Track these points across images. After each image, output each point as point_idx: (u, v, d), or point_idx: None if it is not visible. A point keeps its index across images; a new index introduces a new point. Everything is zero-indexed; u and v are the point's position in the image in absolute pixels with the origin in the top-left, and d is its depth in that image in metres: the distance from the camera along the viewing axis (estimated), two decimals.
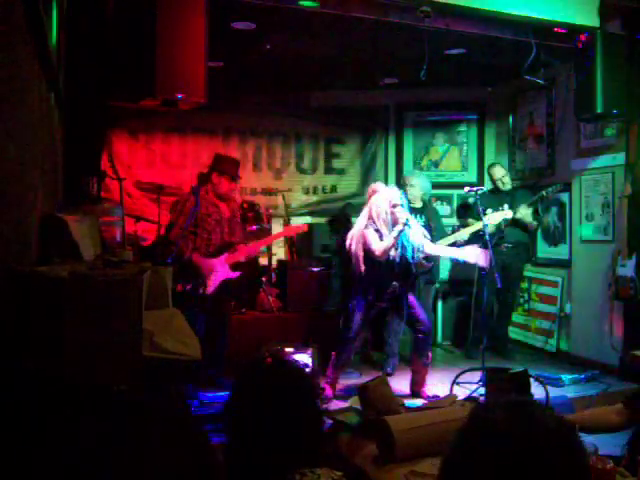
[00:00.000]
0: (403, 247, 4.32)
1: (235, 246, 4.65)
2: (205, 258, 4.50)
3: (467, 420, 1.15)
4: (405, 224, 4.20)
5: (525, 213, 5.68)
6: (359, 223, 4.43)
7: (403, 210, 4.31)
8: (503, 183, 5.91)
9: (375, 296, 4.39)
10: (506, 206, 5.56)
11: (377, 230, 4.30)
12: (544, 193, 5.72)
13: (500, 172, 5.97)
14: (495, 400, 1.21)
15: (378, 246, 4.25)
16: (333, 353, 4.57)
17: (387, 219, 4.30)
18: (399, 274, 4.36)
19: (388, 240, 4.23)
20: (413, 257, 4.36)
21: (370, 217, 4.36)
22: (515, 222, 5.71)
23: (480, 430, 1.10)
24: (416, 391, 4.54)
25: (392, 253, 4.30)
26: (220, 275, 4.54)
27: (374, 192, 4.45)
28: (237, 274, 4.63)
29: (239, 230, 4.81)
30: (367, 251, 4.31)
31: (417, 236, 4.39)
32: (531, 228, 5.92)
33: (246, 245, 4.78)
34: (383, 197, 4.36)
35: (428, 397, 4.40)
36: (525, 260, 6.18)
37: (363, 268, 4.33)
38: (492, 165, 6.20)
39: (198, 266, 4.45)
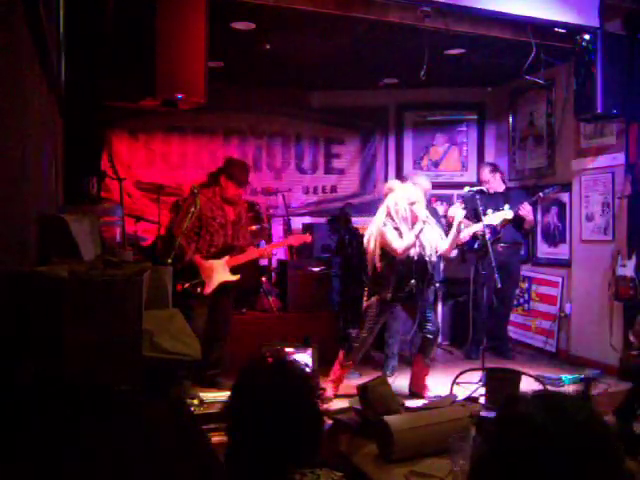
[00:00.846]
0: (421, 245, 4.31)
1: (237, 249, 4.65)
2: (205, 260, 4.50)
3: (496, 418, 1.11)
4: (424, 221, 4.21)
5: (528, 210, 5.67)
6: (376, 221, 4.39)
7: (422, 208, 4.31)
8: (486, 188, 5.86)
9: (392, 295, 4.36)
10: (507, 206, 5.55)
11: (396, 228, 4.30)
12: (541, 194, 5.72)
13: (485, 176, 5.93)
14: (520, 395, 1.18)
15: (399, 244, 4.23)
16: (341, 351, 4.55)
17: (407, 217, 4.29)
18: (416, 272, 4.33)
19: (409, 238, 4.22)
20: (430, 255, 4.35)
21: (388, 215, 4.33)
22: (515, 220, 5.69)
23: (511, 427, 1.06)
24: (416, 391, 4.54)
25: (411, 251, 4.29)
26: (219, 277, 4.54)
27: (391, 190, 4.44)
28: (237, 277, 4.63)
29: (245, 234, 4.81)
30: (386, 249, 4.30)
31: (434, 235, 4.39)
32: (531, 226, 5.89)
33: (256, 248, 4.81)
34: (401, 195, 4.35)
35: (428, 397, 4.40)
36: (522, 260, 6.17)
37: (379, 266, 4.30)
38: (480, 166, 6.16)
39: (198, 268, 4.46)
